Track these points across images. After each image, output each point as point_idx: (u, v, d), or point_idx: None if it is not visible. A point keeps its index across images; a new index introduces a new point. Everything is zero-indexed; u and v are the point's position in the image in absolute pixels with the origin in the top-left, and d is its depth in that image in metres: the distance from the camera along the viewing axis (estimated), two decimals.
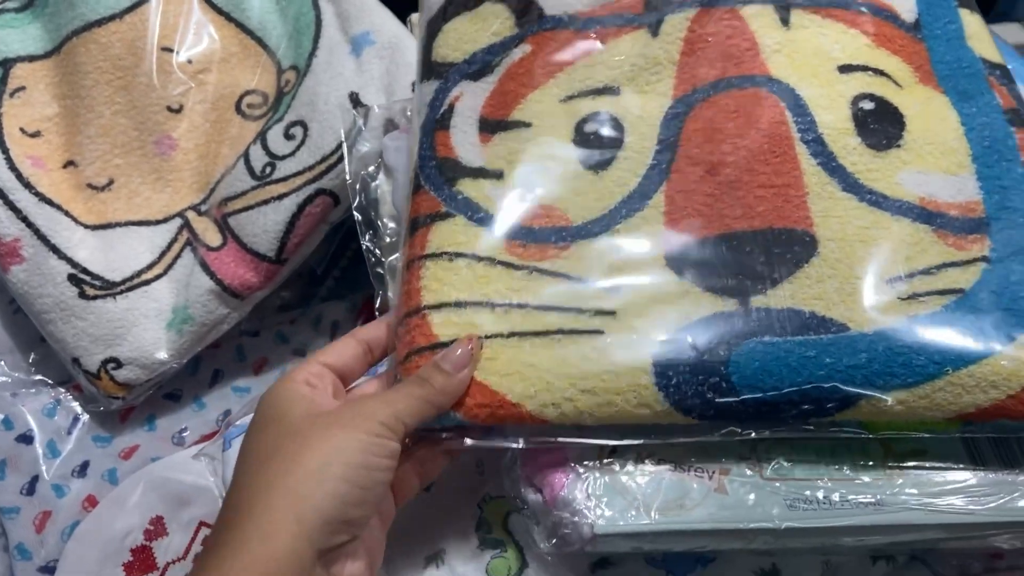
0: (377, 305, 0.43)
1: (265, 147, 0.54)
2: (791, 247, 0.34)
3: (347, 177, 0.47)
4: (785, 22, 0.41)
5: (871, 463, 0.33)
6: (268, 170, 0.54)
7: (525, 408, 0.33)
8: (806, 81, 0.38)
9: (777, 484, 0.33)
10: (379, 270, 0.45)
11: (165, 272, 0.53)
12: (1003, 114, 0.35)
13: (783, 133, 0.37)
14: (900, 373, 0.31)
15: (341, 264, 0.62)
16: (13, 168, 0.52)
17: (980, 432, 0.32)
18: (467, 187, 0.38)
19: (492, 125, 0.40)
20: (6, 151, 0.53)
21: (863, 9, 0.41)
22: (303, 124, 0.54)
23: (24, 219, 0.51)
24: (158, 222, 0.55)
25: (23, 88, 0.55)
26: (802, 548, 0.36)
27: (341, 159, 0.52)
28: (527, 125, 0.40)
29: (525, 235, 0.36)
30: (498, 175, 0.38)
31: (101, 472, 0.50)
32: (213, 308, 0.52)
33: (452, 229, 0.37)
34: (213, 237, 0.54)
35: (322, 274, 0.60)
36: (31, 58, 0.56)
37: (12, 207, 0.51)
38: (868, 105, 0.37)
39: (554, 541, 0.34)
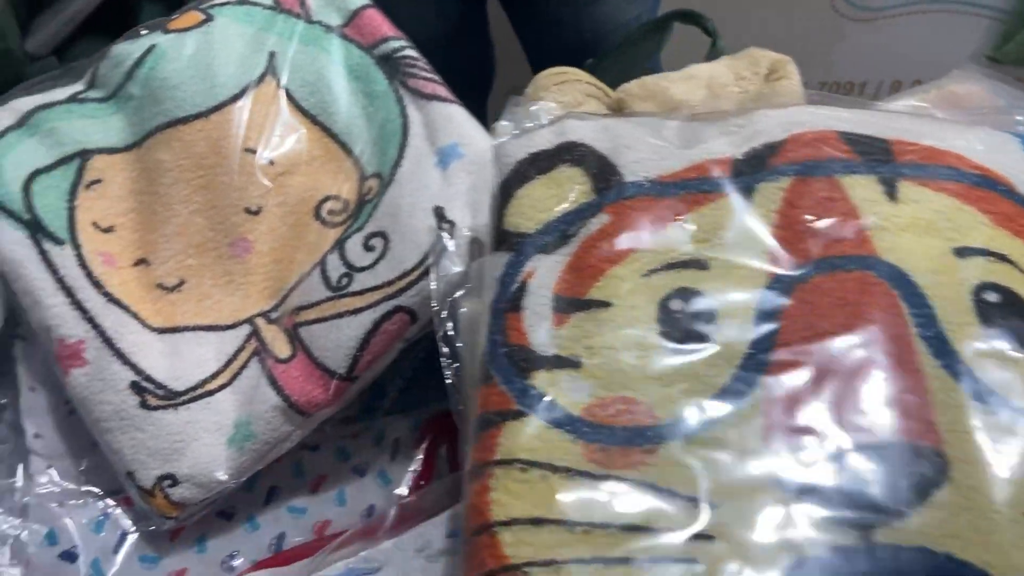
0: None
1: (343, 257, 0.52)
2: (917, 469, 0.30)
3: (433, 303, 0.44)
4: (891, 196, 0.37)
5: None
6: (344, 281, 0.51)
7: None
8: (919, 265, 0.34)
9: None
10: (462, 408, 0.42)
11: (230, 382, 0.51)
12: None
13: (898, 326, 0.33)
14: None
15: (404, 375, 0.59)
16: (83, 265, 0.51)
17: None
18: (541, 381, 0.35)
19: (568, 305, 0.37)
20: (77, 247, 0.51)
21: (977, 182, 0.38)
22: (384, 236, 0.52)
23: (90, 320, 0.49)
24: (226, 327, 0.53)
25: (99, 181, 0.54)
26: None
27: (423, 276, 0.49)
28: (606, 305, 0.36)
29: (606, 437, 0.33)
30: (575, 364, 0.35)
31: None
32: (277, 425, 0.49)
33: (525, 432, 0.33)
34: (282, 348, 0.51)
35: (385, 387, 0.58)
36: (110, 150, 0.55)
37: (79, 307, 0.49)
38: (993, 297, 0.33)
39: None
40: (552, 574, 0.29)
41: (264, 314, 0.53)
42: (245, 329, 0.52)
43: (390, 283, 0.50)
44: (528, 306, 0.36)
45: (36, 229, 0.50)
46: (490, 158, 0.54)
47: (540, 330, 0.35)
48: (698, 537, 0.30)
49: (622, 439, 0.32)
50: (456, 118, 0.56)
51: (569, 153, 0.40)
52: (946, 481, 0.29)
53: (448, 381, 0.42)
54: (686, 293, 0.35)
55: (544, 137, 0.41)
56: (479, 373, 0.36)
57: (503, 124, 0.44)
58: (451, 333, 0.43)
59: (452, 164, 0.54)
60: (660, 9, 1.05)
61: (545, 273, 0.37)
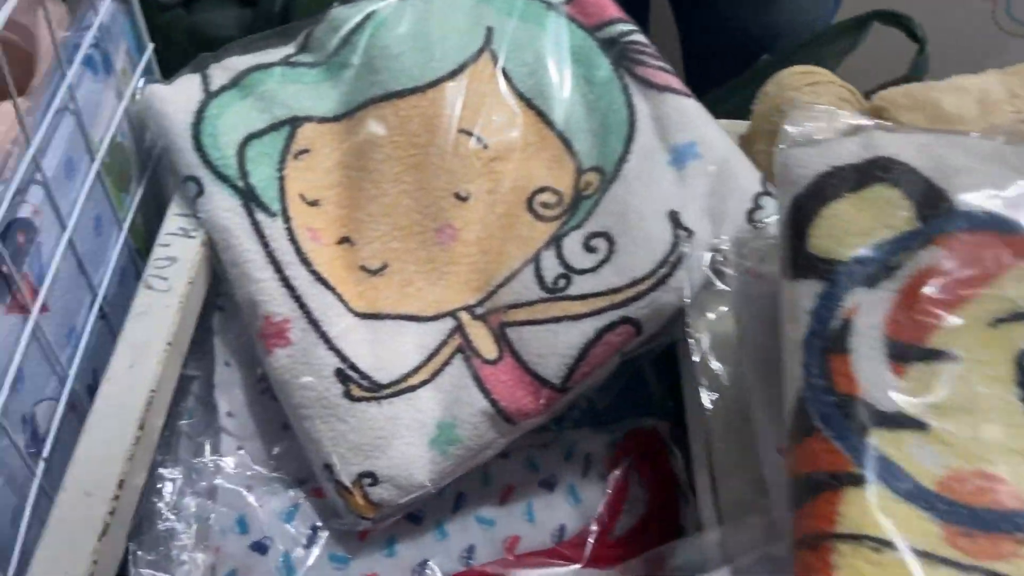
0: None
1: (560, 256, 0.48)
2: None
3: (688, 327, 0.40)
4: None
5: None
6: (562, 283, 0.48)
7: None
8: None
9: None
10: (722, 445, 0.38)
11: (431, 379, 0.47)
12: None
13: None
14: None
15: (601, 387, 0.55)
16: (293, 240, 0.48)
17: None
18: (882, 441, 0.30)
19: (904, 352, 0.32)
20: (288, 220, 0.48)
21: None
22: (608, 237, 0.48)
23: (297, 299, 0.46)
24: (428, 319, 0.49)
25: (307, 151, 0.51)
26: None
27: (656, 286, 0.45)
28: (951, 357, 0.31)
29: (969, 519, 0.28)
30: (921, 425, 0.30)
31: None
32: (483, 431, 0.46)
33: (871, 503, 0.29)
34: (488, 347, 0.48)
35: (578, 398, 0.54)
36: (320, 119, 0.52)
37: (287, 284, 0.47)
38: None
39: None
40: None
41: (468, 308, 0.49)
42: (448, 323, 0.49)
43: (616, 290, 0.46)
44: (856, 349, 0.31)
45: (249, 198, 0.48)
46: (730, 161, 0.50)
47: (875, 380, 0.30)
48: None
49: (986, 523, 0.27)
50: (692, 114, 0.51)
51: (883, 171, 0.35)
52: None
53: (709, 408, 0.38)
54: None
55: (848, 149, 0.36)
56: (791, 420, 0.31)
57: (789, 130, 0.39)
58: (709, 357, 0.39)
59: (688, 165, 0.49)
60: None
61: (871, 311, 0.32)
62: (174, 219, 0.47)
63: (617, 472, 0.51)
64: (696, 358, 0.39)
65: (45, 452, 0.39)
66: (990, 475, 0.28)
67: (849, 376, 0.31)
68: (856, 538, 0.27)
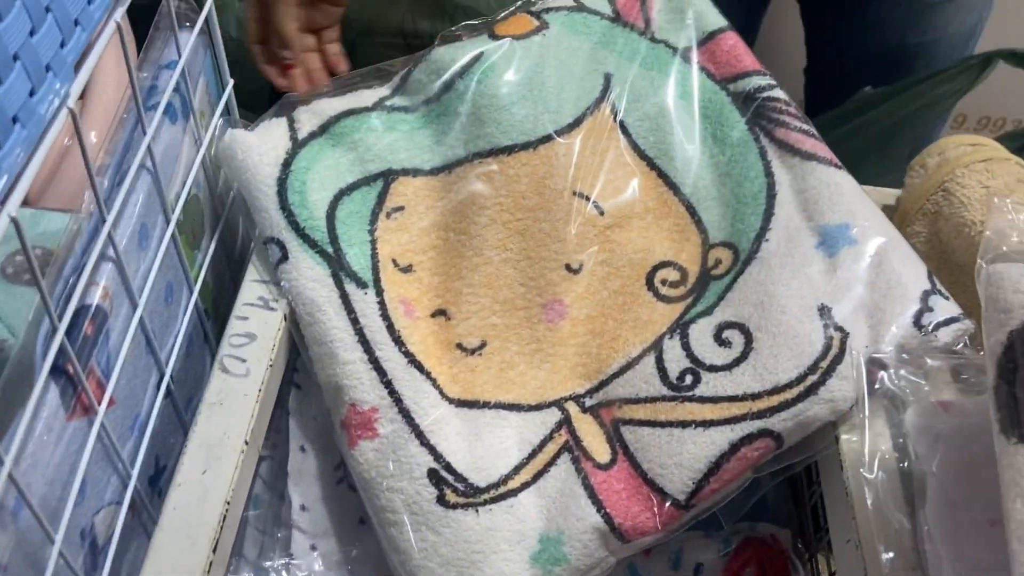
0: None
1: (686, 347, 0.42)
2: None
3: (864, 463, 0.33)
4: None
5: None
6: (689, 379, 0.41)
7: None
8: None
9: None
10: None
11: (533, 481, 0.42)
12: None
13: None
14: None
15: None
16: (385, 316, 0.42)
17: None
18: None
19: None
20: (380, 292, 0.43)
21: None
22: (744, 330, 0.41)
23: (388, 384, 0.41)
24: (530, 408, 0.44)
25: (401, 208, 0.46)
26: None
27: (803, 396, 0.39)
28: None
29: None
30: None
31: None
32: (593, 550, 0.40)
33: None
34: (600, 449, 0.42)
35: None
36: (417, 173, 0.46)
37: (377, 367, 0.41)
38: None
39: None
40: None
41: (576, 398, 0.44)
42: (553, 414, 0.43)
43: (755, 396, 0.40)
44: None
45: (339, 266, 0.42)
46: (890, 249, 0.43)
47: None
48: None
49: None
50: (844, 190, 0.44)
51: None
52: None
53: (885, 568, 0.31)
54: None
55: None
56: None
57: (992, 238, 0.32)
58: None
59: (841, 251, 0.43)
60: None
61: None
62: (252, 287, 0.42)
63: None
64: (869, 502, 0.32)
65: (105, 572, 0.33)
66: None
67: None
68: None
